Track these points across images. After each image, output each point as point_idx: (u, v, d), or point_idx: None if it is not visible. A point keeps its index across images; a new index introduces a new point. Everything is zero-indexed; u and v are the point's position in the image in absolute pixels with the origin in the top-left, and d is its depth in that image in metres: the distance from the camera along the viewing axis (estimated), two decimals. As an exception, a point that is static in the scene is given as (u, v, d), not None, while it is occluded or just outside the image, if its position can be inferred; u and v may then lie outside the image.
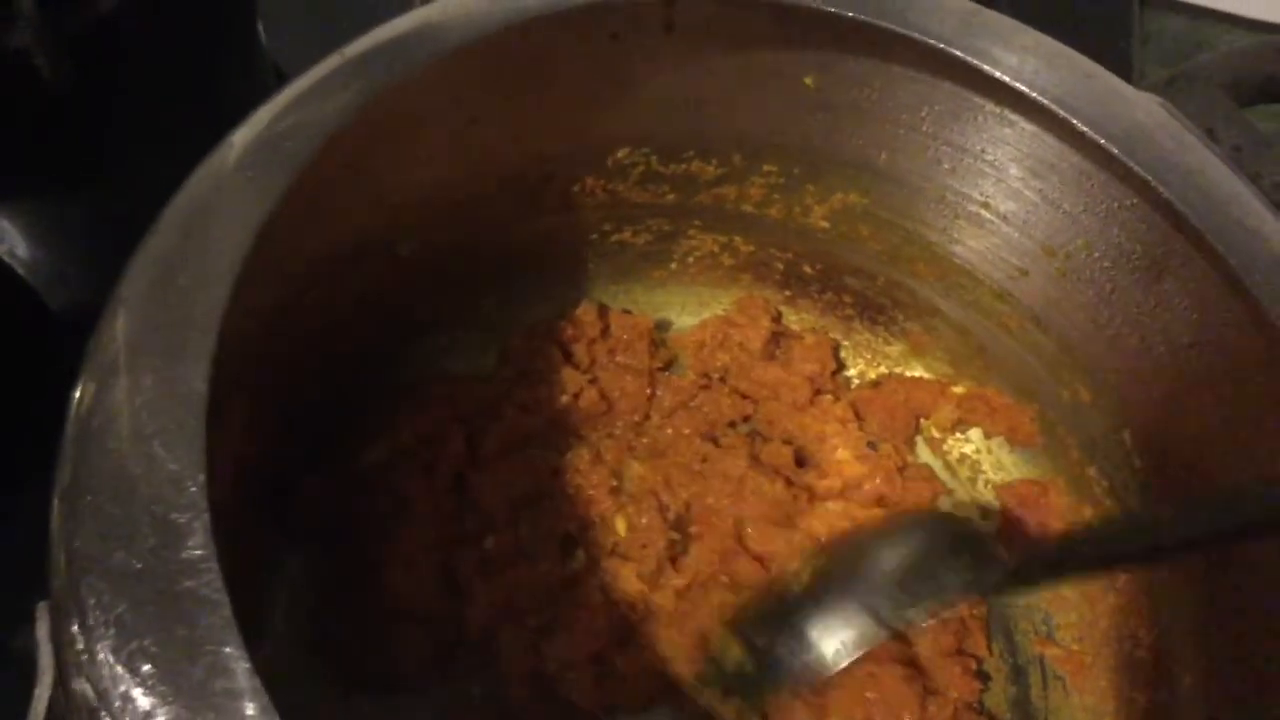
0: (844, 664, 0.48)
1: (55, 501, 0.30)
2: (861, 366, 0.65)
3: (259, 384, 0.43)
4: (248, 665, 0.27)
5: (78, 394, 0.32)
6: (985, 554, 0.49)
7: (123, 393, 0.31)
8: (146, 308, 0.33)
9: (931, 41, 0.45)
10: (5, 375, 0.57)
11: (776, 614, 0.50)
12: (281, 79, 0.42)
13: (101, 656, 0.27)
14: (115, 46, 0.61)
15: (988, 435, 0.61)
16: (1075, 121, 0.44)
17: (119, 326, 0.33)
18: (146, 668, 0.27)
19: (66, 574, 0.29)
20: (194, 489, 0.29)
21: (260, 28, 0.71)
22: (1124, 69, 0.88)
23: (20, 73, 0.51)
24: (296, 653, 0.50)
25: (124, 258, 0.35)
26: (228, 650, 0.27)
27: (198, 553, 0.28)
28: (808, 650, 0.48)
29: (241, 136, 0.39)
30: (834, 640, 0.48)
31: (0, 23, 0.50)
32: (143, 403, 0.31)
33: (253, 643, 0.28)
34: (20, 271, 0.61)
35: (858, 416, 0.61)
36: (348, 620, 0.50)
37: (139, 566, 0.28)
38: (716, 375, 0.63)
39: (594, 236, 0.60)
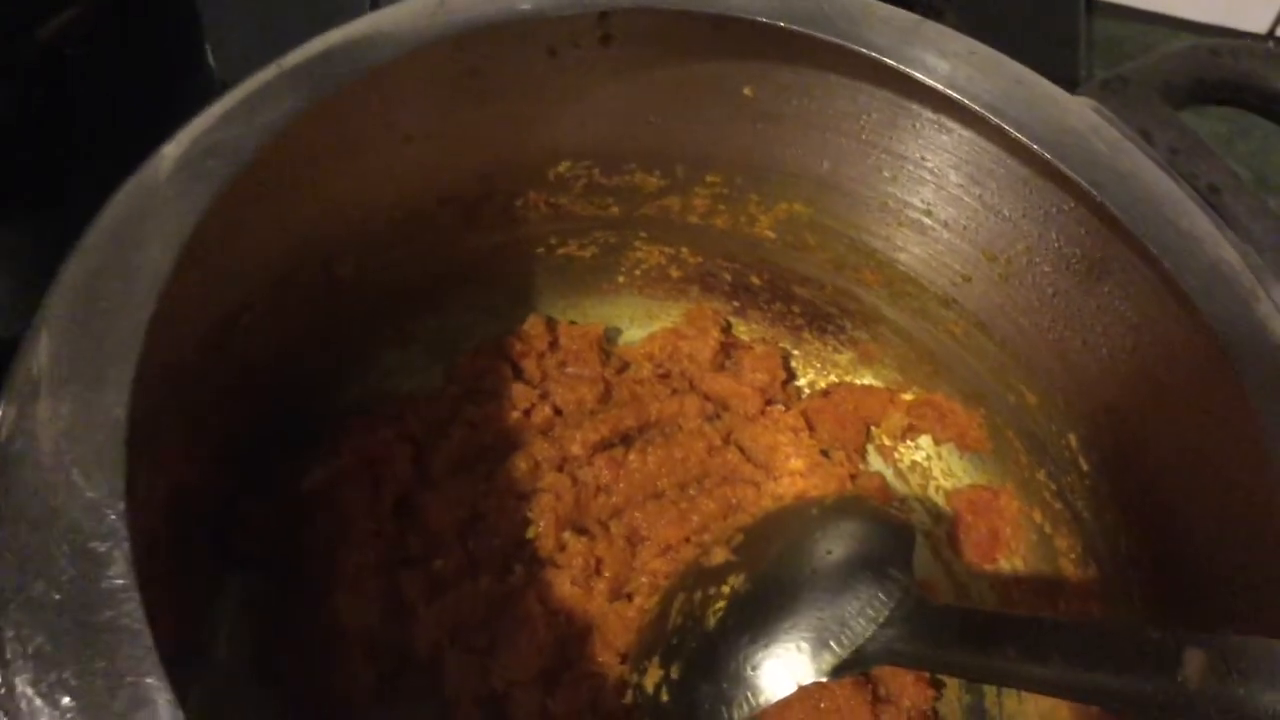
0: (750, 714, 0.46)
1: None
2: (812, 376, 0.65)
3: (195, 408, 0.43)
4: (169, 696, 0.27)
5: (-2, 415, 0.32)
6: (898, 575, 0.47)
7: (42, 419, 0.31)
8: (68, 331, 0.33)
9: (865, 51, 0.45)
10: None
11: (692, 645, 0.49)
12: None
13: (20, 689, 0.27)
14: (60, 74, 0.60)
15: (937, 441, 0.61)
16: (1007, 127, 0.44)
17: (41, 349, 0.33)
18: (66, 700, 0.27)
19: (-15, 606, 0.28)
20: (113, 517, 0.29)
21: (208, 50, 0.70)
22: (1071, 75, 0.89)
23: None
24: (240, 679, 0.49)
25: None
26: (149, 681, 0.27)
27: (118, 582, 0.28)
28: (720, 697, 0.46)
29: (172, 149, 0.38)
30: (750, 687, 0.46)
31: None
32: (62, 430, 0.30)
33: (195, 669, 0.27)
34: (-36, 301, 0.60)
35: (809, 425, 0.62)
36: (292, 646, 0.49)
37: (58, 597, 0.28)
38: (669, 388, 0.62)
39: (539, 251, 0.59)
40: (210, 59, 0.70)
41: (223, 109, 0.40)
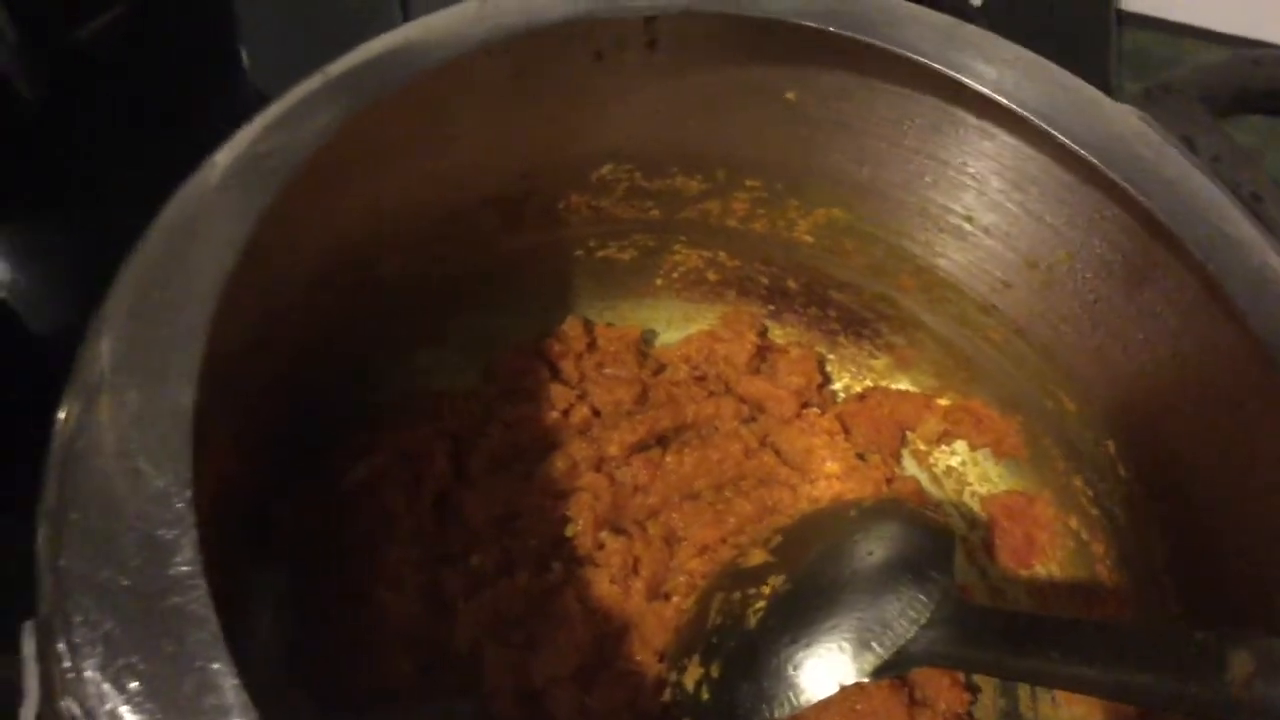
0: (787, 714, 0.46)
1: (40, 522, 0.30)
2: (847, 380, 0.65)
3: (242, 403, 0.43)
4: (236, 681, 0.27)
5: (62, 414, 0.32)
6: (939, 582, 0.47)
7: (107, 411, 0.31)
8: (130, 326, 0.33)
9: (911, 55, 0.45)
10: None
11: (732, 644, 0.49)
12: (263, 102, 0.42)
13: (88, 674, 0.27)
14: (95, 69, 0.61)
15: (973, 447, 0.61)
16: (1054, 133, 0.44)
17: (103, 346, 0.33)
18: (134, 685, 0.27)
19: (53, 592, 0.28)
20: (180, 505, 0.29)
21: (242, 51, 0.71)
22: (1101, 85, 0.89)
23: (-1, 94, 0.51)
24: (280, 673, 0.49)
25: (103, 279, 0.35)
26: (216, 666, 0.27)
27: (185, 569, 0.28)
28: (761, 695, 0.47)
29: (223, 156, 0.38)
30: (791, 686, 0.46)
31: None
32: (127, 420, 0.31)
33: (236, 662, 0.28)
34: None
35: (845, 429, 0.62)
36: (332, 640, 0.50)
37: (126, 584, 0.28)
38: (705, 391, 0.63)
39: (579, 252, 0.60)
40: (244, 60, 0.71)
41: (271, 118, 0.40)
